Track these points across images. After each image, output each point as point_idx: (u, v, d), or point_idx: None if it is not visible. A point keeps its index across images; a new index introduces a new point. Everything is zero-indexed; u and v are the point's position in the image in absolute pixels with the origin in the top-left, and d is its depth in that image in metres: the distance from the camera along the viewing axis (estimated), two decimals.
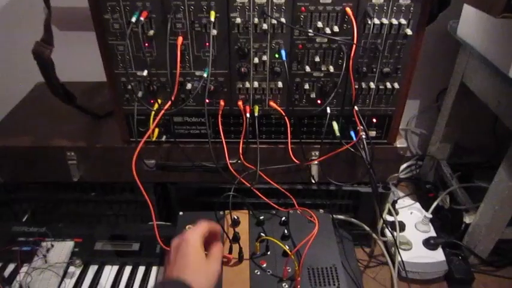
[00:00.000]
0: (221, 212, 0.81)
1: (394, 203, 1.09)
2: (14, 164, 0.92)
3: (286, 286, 0.68)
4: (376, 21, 0.71)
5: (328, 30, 0.72)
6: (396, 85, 0.78)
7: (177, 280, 0.55)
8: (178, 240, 0.61)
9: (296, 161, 0.83)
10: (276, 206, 0.81)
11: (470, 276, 0.98)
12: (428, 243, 1.01)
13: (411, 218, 1.10)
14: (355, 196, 0.95)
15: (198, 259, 0.58)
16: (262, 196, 0.80)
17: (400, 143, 0.89)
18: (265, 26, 0.71)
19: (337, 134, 0.82)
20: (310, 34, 0.73)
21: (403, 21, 0.71)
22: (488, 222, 0.94)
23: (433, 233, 1.05)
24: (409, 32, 0.72)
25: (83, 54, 1.08)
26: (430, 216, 1.05)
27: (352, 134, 0.83)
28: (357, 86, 0.77)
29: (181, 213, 0.83)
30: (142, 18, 0.68)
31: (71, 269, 0.82)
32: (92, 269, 0.83)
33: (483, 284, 0.99)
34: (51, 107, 0.97)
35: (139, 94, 0.78)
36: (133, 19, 0.68)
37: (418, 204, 1.14)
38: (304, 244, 0.70)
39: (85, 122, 0.96)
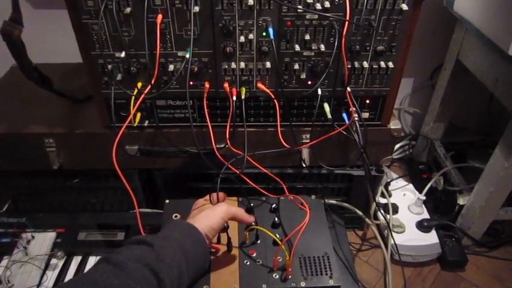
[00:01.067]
0: None
1: (387, 184, 1.06)
2: None
3: (277, 276, 0.65)
4: None
5: (318, 6, 0.67)
6: (391, 64, 0.74)
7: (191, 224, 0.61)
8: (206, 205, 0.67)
9: (286, 146, 0.79)
10: (266, 193, 0.77)
11: (464, 258, 0.97)
12: (422, 226, 1.00)
13: (404, 199, 1.09)
14: (347, 179, 0.92)
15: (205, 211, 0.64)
16: (251, 182, 0.76)
17: (394, 125, 0.86)
18: (251, 2, 0.66)
19: (329, 116, 0.79)
20: (299, 10, 0.68)
21: None
22: (483, 204, 0.92)
23: (426, 215, 1.03)
24: (404, 7, 0.67)
25: (60, 33, 1.02)
26: (424, 198, 1.03)
27: (345, 116, 0.79)
28: (349, 66, 0.73)
29: (167, 201, 0.80)
30: None
31: (53, 261, 0.79)
32: (76, 261, 0.80)
33: (476, 265, 0.98)
34: (28, 91, 0.92)
35: (119, 77, 0.74)
36: None
37: (411, 186, 1.12)
38: (295, 233, 0.67)
39: (64, 107, 0.90)
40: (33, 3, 1.04)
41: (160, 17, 0.67)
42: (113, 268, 0.50)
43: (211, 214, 0.64)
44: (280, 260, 0.67)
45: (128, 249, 0.55)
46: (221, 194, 0.72)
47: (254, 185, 0.77)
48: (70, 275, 0.78)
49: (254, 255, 0.69)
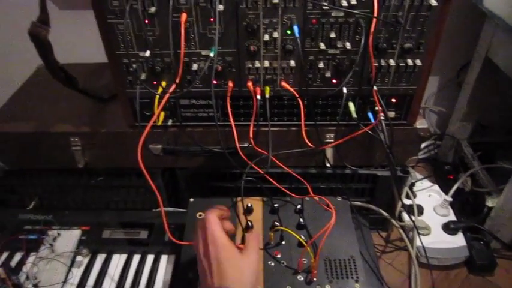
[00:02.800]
0: (234, 199, 0.77)
1: (412, 185, 1.04)
2: (18, 151, 0.89)
3: (302, 278, 0.65)
4: None
5: (344, 3, 0.66)
6: (418, 62, 0.72)
7: None
8: (203, 246, 0.56)
9: (311, 145, 0.78)
10: (291, 194, 0.76)
11: (493, 262, 0.94)
12: (448, 228, 0.97)
13: (429, 200, 1.06)
14: (371, 179, 0.90)
15: (233, 260, 0.54)
16: (276, 183, 0.75)
17: (420, 124, 0.84)
18: (275, 0, 0.66)
19: (354, 115, 0.77)
20: (325, 7, 0.67)
21: None
22: None
23: (452, 217, 1.01)
24: (433, 2, 0.65)
25: (86, 33, 1.04)
26: (450, 199, 1.00)
27: (370, 115, 0.78)
28: (375, 64, 0.71)
29: (192, 199, 0.80)
30: None
31: (79, 258, 0.80)
32: (100, 258, 0.81)
33: (506, 269, 0.95)
34: (53, 90, 0.93)
35: (143, 76, 0.74)
36: None
37: (436, 187, 1.09)
38: (320, 235, 0.66)
39: (89, 106, 0.91)
40: (59, 4, 1.06)
41: (184, 16, 0.67)
42: None
43: (220, 255, 0.54)
44: (305, 261, 0.66)
45: None
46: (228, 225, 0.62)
47: (279, 186, 0.76)
48: (95, 272, 0.78)
49: (279, 256, 0.68)
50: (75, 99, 0.91)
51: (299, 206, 0.75)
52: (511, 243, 0.97)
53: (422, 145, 1.26)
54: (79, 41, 1.11)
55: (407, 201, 0.99)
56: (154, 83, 0.75)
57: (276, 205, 0.75)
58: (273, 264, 0.67)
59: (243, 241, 0.69)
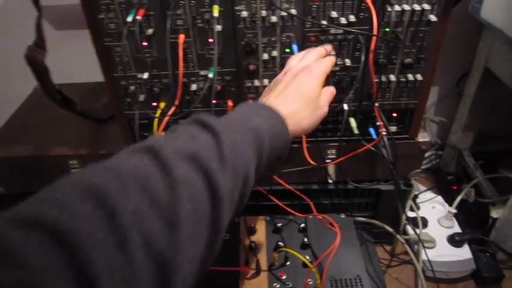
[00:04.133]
0: (235, 219, 0.76)
1: (415, 197, 1.03)
2: (15, 174, 0.87)
3: None
4: (397, 7, 0.64)
5: (343, 20, 0.65)
6: (419, 76, 0.72)
7: (276, 112, 0.47)
8: (300, 68, 0.55)
9: (313, 163, 0.77)
10: (294, 212, 0.75)
11: (500, 274, 0.92)
12: (453, 240, 0.96)
13: (433, 212, 1.05)
14: (375, 194, 0.89)
15: (313, 100, 0.53)
16: (278, 202, 0.74)
17: (422, 137, 0.83)
18: (274, 19, 0.65)
19: (356, 131, 0.76)
20: (323, 26, 0.66)
21: (426, 6, 0.64)
22: None
23: (457, 229, 0.99)
24: (433, 18, 0.65)
25: (82, 53, 1.03)
26: (455, 211, 0.99)
27: (372, 130, 0.77)
28: (376, 80, 0.71)
29: None
30: (139, 17, 0.62)
31: None
32: None
33: None
34: (51, 112, 0.92)
35: (141, 98, 0.73)
36: (129, 18, 0.62)
37: (440, 198, 1.08)
38: (326, 255, 0.65)
39: (87, 127, 0.90)
40: (55, 25, 1.06)
41: (182, 37, 0.66)
42: (157, 168, 0.35)
43: (307, 84, 0.52)
44: (311, 282, 0.65)
45: (183, 136, 0.39)
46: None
47: (282, 205, 0.75)
48: None
49: (284, 277, 0.67)
50: (73, 121, 0.90)
51: (303, 225, 0.74)
52: None
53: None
54: (76, 61, 1.11)
55: (411, 214, 0.98)
56: (153, 104, 0.74)
57: (279, 224, 0.74)
58: (278, 286, 0.66)
59: (246, 262, 0.68)
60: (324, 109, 0.56)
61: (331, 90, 0.59)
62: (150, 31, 0.66)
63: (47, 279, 0.24)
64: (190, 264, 0.33)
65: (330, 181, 0.83)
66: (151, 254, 0.29)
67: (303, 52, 0.61)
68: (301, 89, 0.52)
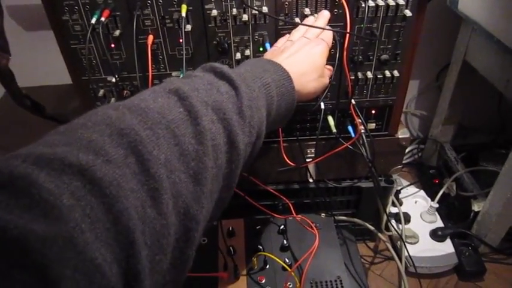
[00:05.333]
0: (214, 222, 0.74)
1: (397, 193, 1.02)
2: None
3: None
4: (371, 3, 0.63)
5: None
6: (396, 73, 0.71)
7: (286, 71, 0.47)
8: (309, 40, 0.56)
9: (291, 164, 0.76)
10: (273, 214, 0.74)
11: (482, 268, 0.92)
12: (436, 235, 0.96)
13: (416, 207, 1.04)
14: (356, 191, 0.89)
15: (320, 67, 0.54)
16: (257, 204, 0.73)
17: (402, 134, 0.82)
18: (245, 17, 0.63)
19: (334, 130, 0.75)
20: (296, 24, 0.64)
21: (401, 1, 0.63)
22: (500, 211, 0.88)
23: (440, 223, 0.99)
24: (408, 13, 0.64)
25: (54, 54, 0.99)
26: (436, 205, 0.99)
27: (350, 128, 0.76)
28: (352, 77, 0.69)
29: None
30: (103, 18, 0.60)
31: None
32: None
33: (495, 274, 0.94)
34: (22, 118, 0.89)
35: (112, 101, 0.71)
36: (93, 20, 0.59)
37: (422, 192, 1.08)
38: (305, 258, 0.63)
39: None
40: (25, 26, 1.02)
41: (151, 37, 0.64)
42: (184, 114, 0.33)
43: (312, 51, 0.53)
44: (290, 286, 0.64)
45: (203, 85, 0.37)
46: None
47: (261, 207, 0.73)
48: None
49: (263, 281, 0.66)
50: (45, 125, 0.87)
51: (282, 227, 0.73)
52: (499, 247, 0.96)
53: (406, 150, 1.25)
54: (49, 62, 1.07)
55: (393, 209, 0.97)
56: None
57: (258, 227, 0.73)
58: None
59: (225, 267, 0.67)
60: (326, 80, 0.58)
61: (330, 67, 0.62)
62: (117, 32, 0.63)
63: (84, 231, 0.22)
64: (205, 219, 0.32)
65: (311, 180, 0.82)
66: (178, 207, 0.29)
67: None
68: (311, 55, 0.53)
